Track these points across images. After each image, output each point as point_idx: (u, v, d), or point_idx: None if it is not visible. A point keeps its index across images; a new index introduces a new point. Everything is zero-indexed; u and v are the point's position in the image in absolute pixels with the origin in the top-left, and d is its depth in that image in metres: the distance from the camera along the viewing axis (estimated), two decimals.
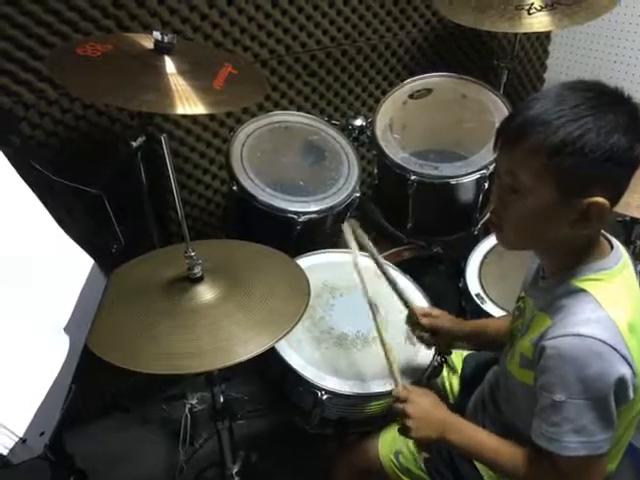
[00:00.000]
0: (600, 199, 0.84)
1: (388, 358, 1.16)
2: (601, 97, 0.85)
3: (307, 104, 2.02)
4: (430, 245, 1.89)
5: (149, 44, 1.31)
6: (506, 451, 1.00)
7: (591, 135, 0.81)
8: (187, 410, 1.90)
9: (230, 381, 1.63)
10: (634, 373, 0.86)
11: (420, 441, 1.06)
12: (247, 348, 0.98)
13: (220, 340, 0.99)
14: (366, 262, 1.31)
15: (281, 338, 1.02)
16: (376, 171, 1.88)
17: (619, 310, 0.88)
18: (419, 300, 1.45)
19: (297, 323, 1.04)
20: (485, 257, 1.72)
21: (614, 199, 0.87)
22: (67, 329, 0.90)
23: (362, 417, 1.30)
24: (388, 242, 1.89)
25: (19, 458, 0.70)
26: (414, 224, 1.80)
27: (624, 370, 0.84)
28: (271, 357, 1.30)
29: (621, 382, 0.85)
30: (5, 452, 0.69)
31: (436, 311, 1.29)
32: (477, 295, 1.60)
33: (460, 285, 1.66)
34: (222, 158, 1.90)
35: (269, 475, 1.58)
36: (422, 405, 1.07)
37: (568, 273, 0.93)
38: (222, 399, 1.25)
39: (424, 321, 1.26)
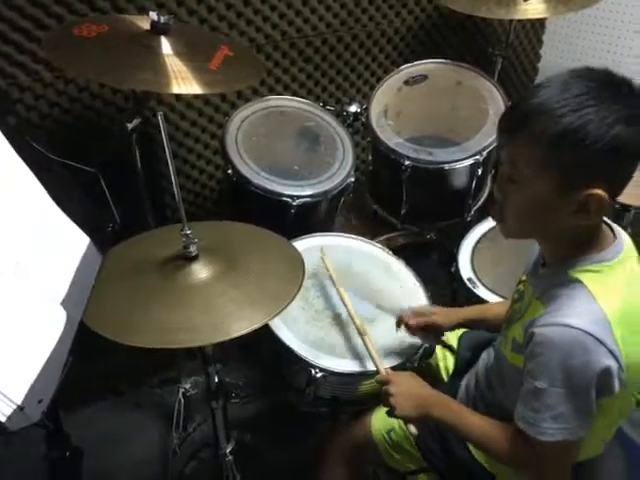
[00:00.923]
0: (599, 191, 0.83)
1: (367, 347, 1.20)
2: (606, 87, 0.83)
3: (302, 90, 2.02)
4: (424, 231, 1.91)
5: (145, 25, 1.31)
6: (488, 428, 1.03)
7: (592, 126, 0.80)
8: (181, 394, 1.91)
9: (225, 366, 1.64)
10: (620, 367, 0.87)
11: (405, 419, 1.08)
12: (241, 324, 0.98)
13: (214, 316, 1.00)
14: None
15: (275, 316, 1.03)
16: (370, 158, 1.90)
17: (614, 301, 0.88)
18: (415, 291, 1.47)
19: (291, 301, 1.05)
20: (478, 243, 1.73)
21: (615, 191, 0.87)
22: (64, 303, 0.90)
23: (355, 396, 1.32)
24: (382, 228, 1.90)
25: (17, 425, 0.71)
26: (408, 210, 1.82)
27: (609, 363, 0.85)
28: (266, 336, 1.31)
29: (605, 375, 0.86)
30: (3, 419, 0.70)
31: (426, 308, 1.32)
32: (469, 279, 1.61)
33: (452, 270, 1.67)
34: (217, 143, 1.90)
35: (263, 454, 1.60)
36: (403, 384, 1.11)
37: (567, 263, 0.93)
38: (217, 379, 1.26)
39: (413, 322, 1.27)
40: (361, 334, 1.22)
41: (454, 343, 1.40)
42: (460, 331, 1.41)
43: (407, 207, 1.81)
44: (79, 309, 0.93)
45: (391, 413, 1.09)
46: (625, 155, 0.83)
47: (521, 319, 1.00)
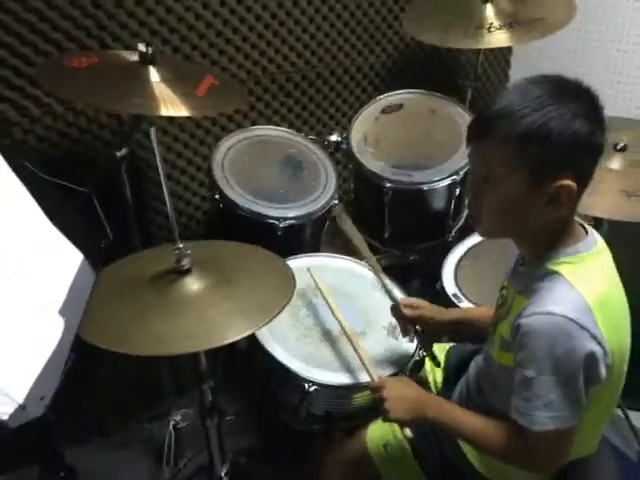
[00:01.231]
0: (568, 182, 0.89)
1: (359, 354, 1.22)
2: (562, 88, 0.91)
3: (284, 123, 2.10)
4: (406, 253, 1.95)
5: (133, 58, 1.37)
6: (482, 425, 1.04)
7: (553, 123, 0.87)
8: (171, 427, 1.87)
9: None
10: (605, 352, 0.90)
11: (400, 421, 1.09)
12: (233, 332, 1.00)
13: (207, 326, 1.02)
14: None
15: (267, 323, 1.04)
16: (352, 185, 1.96)
17: (591, 289, 0.92)
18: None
19: (283, 308, 1.07)
20: (460, 260, 1.78)
21: (582, 182, 0.92)
22: (62, 312, 0.92)
23: (348, 410, 1.32)
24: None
25: (17, 422, 0.72)
26: (391, 234, 1.87)
27: (594, 348, 0.89)
28: (259, 354, 1.32)
29: (590, 360, 0.89)
30: (5, 417, 0.71)
31: (418, 302, 1.32)
32: (454, 295, 1.65)
33: (437, 287, 1.71)
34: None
35: (258, 477, 1.57)
36: (396, 387, 1.13)
37: (544, 257, 0.97)
38: (210, 397, 1.26)
39: (407, 312, 1.30)
40: (351, 341, 1.24)
41: (442, 357, 1.41)
42: (448, 345, 1.44)
43: (390, 230, 1.86)
44: (76, 318, 0.94)
45: (386, 417, 1.10)
46: (586, 146, 0.90)
47: (507, 318, 1.03)
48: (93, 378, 1.96)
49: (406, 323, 1.32)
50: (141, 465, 1.90)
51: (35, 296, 0.91)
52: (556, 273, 0.94)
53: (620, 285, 1.00)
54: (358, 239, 1.37)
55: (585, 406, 0.94)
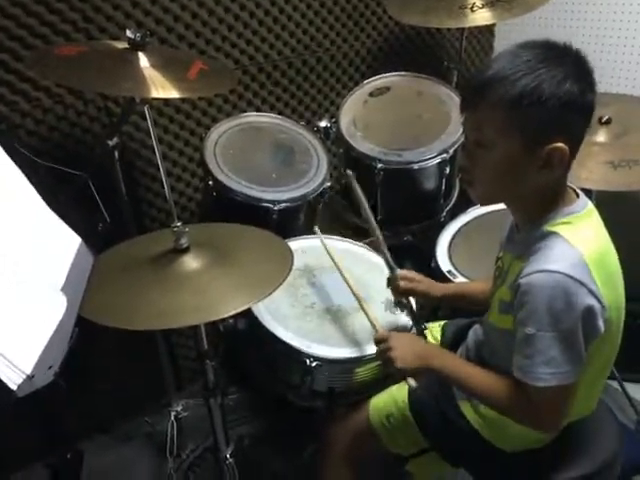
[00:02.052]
0: (560, 144, 0.91)
1: (363, 307, 1.25)
2: (551, 51, 0.93)
3: (273, 112, 2.10)
4: (400, 235, 1.97)
5: (123, 45, 1.38)
6: (487, 379, 1.06)
7: (545, 85, 0.89)
8: (173, 417, 1.88)
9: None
10: (602, 306, 0.92)
11: (405, 371, 1.11)
12: (231, 305, 1.01)
13: (208, 300, 1.03)
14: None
15: (266, 296, 1.06)
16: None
17: (588, 246, 0.94)
18: None
19: (281, 283, 1.08)
20: (453, 239, 1.80)
21: (574, 145, 0.95)
22: (64, 289, 0.93)
23: (351, 385, 1.34)
24: (359, 235, 1.96)
25: (25, 391, 0.73)
26: (384, 215, 1.87)
27: (591, 303, 0.91)
28: (258, 334, 1.33)
29: (589, 314, 0.91)
30: (14, 387, 0.72)
31: (415, 275, 1.34)
32: (449, 272, 1.67)
33: (432, 265, 1.73)
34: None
35: (263, 457, 1.58)
36: (403, 338, 1.15)
37: (539, 221, 0.99)
38: (212, 377, 1.27)
39: (402, 284, 1.31)
40: (357, 298, 1.26)
41: (437, 334, 1.43)
42: (442, 322, 1.46)
43: (383, 212, 1.87)
44: (78, 296, 0.95)
45: (391, 366, 1.10)
46: (577, 108, 0.92)
47: (504, 283, 1.05)
48: (93, 373, 1.96)
49: (400, 295, 1.33)
50: (144, 459, 1.91)
51: (37, 276, 0.92)
52: (554, 233, 0.96)
53: (611, 242, 1.02)
54: (365, 208, 1.40)
55: (585, 361, 0.95)
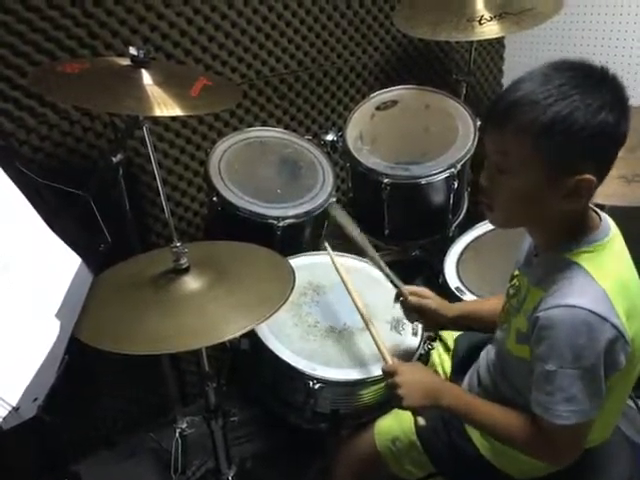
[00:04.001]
0: (589, 176, 0.86)
1: (373, 335, 1.20)
2: (586, 76, 0.87)
3: (279, 126, 2.09)
4: (407, 250, 1.94)
5: (125, 62, 1.37)
6: (500, 415, 1.03)
7: (579, 113, 0.83)
8: (178, 434, 1.86)
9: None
10: (626, 340, 0.89)
11: (414, 409, 1.07)
12: (233, 327, 1.00)
13: (208, 321, 1.02)
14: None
15: (267, 318, 1.04)
16: (350, 184, 1.95)
17: (610, 278, 0.90)
18: None
19: (284, 303, 1.06)
20: (461, 255, 1.77)
21: (602, 174, 0.90)
22: (58, 314, 0.91)
23: (355, 408, 1.31)
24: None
25: (10, 424, 0.71)
26: (391, 230, 1.85)
27: (615, 338, 0.87)
28: (261, 355, 1.31)
29: (611, 349, 0.88)
30: None
31: (425, 291, 1.30)
32: (457, 289, 1.64)
33: (440, 281, 1.70)
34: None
35: (266, 478, 1.55)
36: (411, 374, 1.10)
37: (561, 248, 0.95)
38: (214, 399, 1.25)
39: (412, 299, 1.28)
40: (366, 323, 1.21)
41: (450, 345, 1.40)
42: (456, 333, 1.42)
43: (390, 227, 1.84)
44: (72, 320, 0.94)
45: (398, 404, 1.07)
46: (610, 139, 0.87)
47: (521, 310, 1.02)
48: (97, 389, 1.96)
49: (410, 310, 1.29)
50: (149, 475, 1.89)
51: (32, 299, 0.91)
52: (575, 264, 0.92)
53: (634, 269, 0.98)
54: (356, 232, 1.36)
55: (604, 395, 0.92)
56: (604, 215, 0.99)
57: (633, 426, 1.88)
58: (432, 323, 1.32)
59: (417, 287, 1.32)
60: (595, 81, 0.87)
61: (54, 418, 0.76)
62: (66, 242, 1.07)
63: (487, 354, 1.21)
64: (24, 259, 0.96)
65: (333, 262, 1.39)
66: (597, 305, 0.87)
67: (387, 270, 1.31)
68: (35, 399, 0.74)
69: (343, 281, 1.34)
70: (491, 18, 1.75)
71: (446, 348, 1.39)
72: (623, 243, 0.99)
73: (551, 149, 0.86)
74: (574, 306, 0.87)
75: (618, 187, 1.54)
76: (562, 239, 0.95)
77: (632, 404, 1.87)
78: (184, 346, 0.97)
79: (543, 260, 1.01)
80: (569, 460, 1.00)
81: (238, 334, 0.97)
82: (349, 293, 1.30)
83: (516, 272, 1.12)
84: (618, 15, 2.09)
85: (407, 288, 1.30)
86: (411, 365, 1.16)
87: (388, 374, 1.11)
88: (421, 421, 1.06)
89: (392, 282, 1.31)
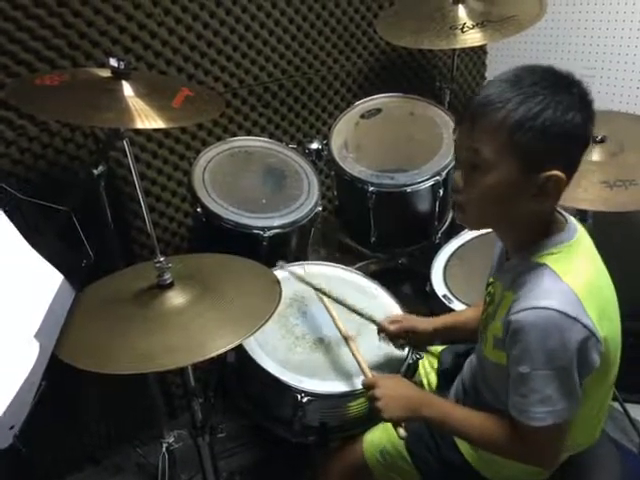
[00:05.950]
0: (557, 172, 0.88)
1: (352, 351, 1.22)
2: (555, 78, 0.91)
3: (264, 134, 2.08)
4: (394, 257, 1.94)
5: (106, 73, 1.35)
6: (478, 421, 1.03)
7: (550, 111, 0.86)
8: (164, 449, 1.83)
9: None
10: (598, 340, 0.89)
11: (393, 421, 1.08)
12: (219, 343, 0.98)
13: (193, 338, 1.00)
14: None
15: (253, 332, 1.02)
16: (336, 192, 1.95)
17: (579, 278, 0.91)
18: (392, 306, 1.49)
19: (269, 318, 1.05)
20: (448, 261, 1.77)
21: (569, 174, 0.92)
22: (38, 335, 0.89)
23: (343, 420, 1.29)
24: (353, 258, 1.93)
25: None
26: (377, 238, 1.85)
27: (586, 338, 0.88)
28: (248, 369, 1.29)
29: (583, 350, 0.88)
30: None
31: (400, 316, 1.34)
32: (444, 296, 1.64)
33: (427, 289, 1.69)
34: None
35: None
36: (389, 386, 1.11)
37: (529, 250, 0.96)
38: (200, 415, 1.23)
39: (393, 328, 1.30)
40: (346, 339, 1.23)
41: (434, 360, 1.40)
42: (439, 347, 1.43)
43: (376, 235, 1.84)
44: (52, 340, 0.91)
45: (379, 416, 1.08)
46: (578, 139, 0.90)
47: (496, 316, 1.02)
48: (80, 404, 1.92)
49: (396, 338, 1.31)
50: None
51: (11, 320, 0.88)
52: (542, 265, 0.93)
53: (605, 270, 1.00)
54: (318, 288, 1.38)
55: (581, 397, 0.93)
56: (569, 216, 1.01)
57: (620, 430, 1.89)
58: (418, 342, 1.34)
59: (394, 315, 1.36)
60: (564, 83, 0.90)
61: (29, 450, 0.73)
62: (47, 259, 1.04)
63: (470, 363, 1.22)
64: (2, 277, 0.94)
65: (305, 282, 1.38)
66: (567, 305, 0.88)
67: (364, 311, 1.33)
68: (11, 427, 0.71)
69: (320, 297, 1.36)
70: (473, 26, 1.76)
71: (431, 363, 1.39)
72: (593, 246, 1.00)
73: (522, 145, 0.88)
74: (544, 308, 0.88)
75: (600, 192, 1.55)
76: (530, 240, 0.97)
77: (619, 407, 1.89)
78: (169, 364, 0.94)
79: (513, 263, 1.02)
80: (551, 461, 1.01)
81: (224, 350, 0.95)
82: (327, 310, 1.32)
83: (490, 279, 1.13)
84: (598, 22, 2.11)
85: (384, 319, 1.32)
86: (391, 378, 1.17)
87: (369, 387, 1.12)
88: (402, 432, 1.06)
89: (370, 320, 1.33)
